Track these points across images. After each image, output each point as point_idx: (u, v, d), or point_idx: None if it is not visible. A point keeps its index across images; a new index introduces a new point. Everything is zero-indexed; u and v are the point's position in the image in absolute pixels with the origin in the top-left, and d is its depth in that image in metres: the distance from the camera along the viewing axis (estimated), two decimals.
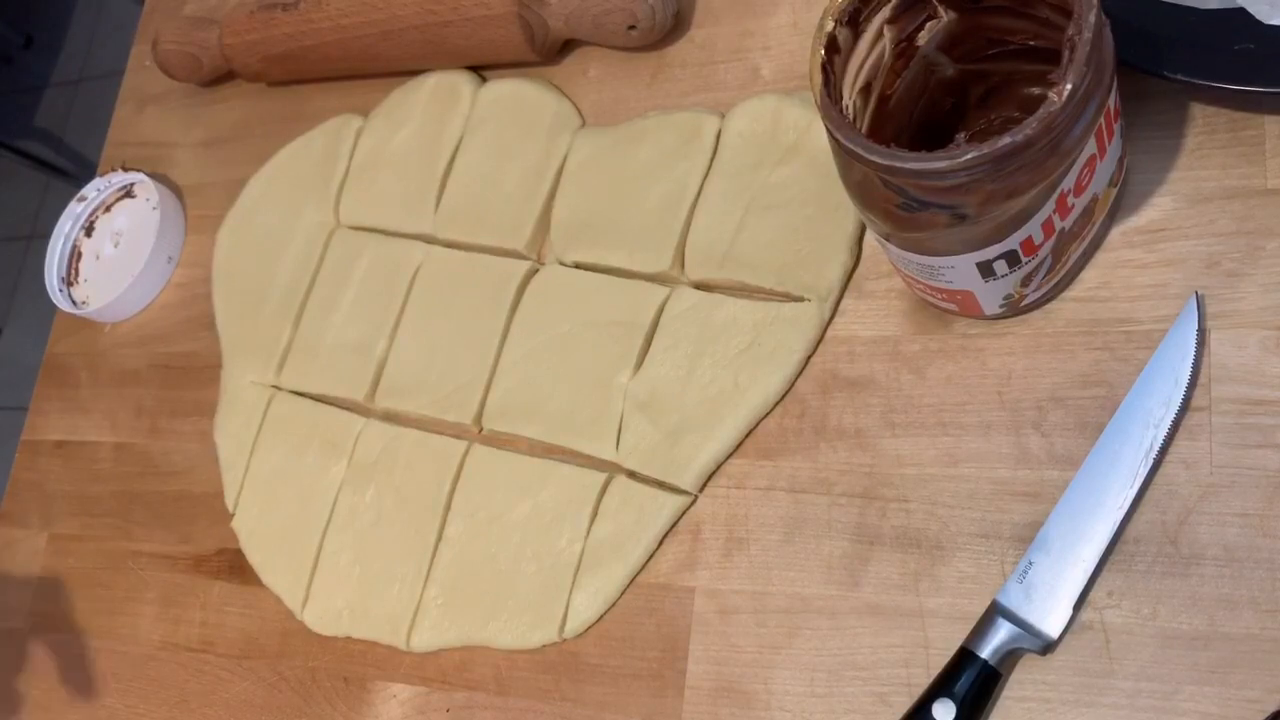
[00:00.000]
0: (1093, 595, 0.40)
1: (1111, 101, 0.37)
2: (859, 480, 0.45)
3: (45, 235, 0.71)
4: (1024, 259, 0.39)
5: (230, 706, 0.56)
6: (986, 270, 0.39)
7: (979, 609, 0.41)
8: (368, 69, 0.64)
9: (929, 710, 0.40)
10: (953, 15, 0.40)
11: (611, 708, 0.47)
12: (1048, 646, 0.40)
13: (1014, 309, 0.43)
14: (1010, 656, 0.40)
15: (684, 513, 0.48)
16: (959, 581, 0.42)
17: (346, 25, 0.61)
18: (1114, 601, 0.40)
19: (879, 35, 0.39)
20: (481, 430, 0.54)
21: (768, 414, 0.48)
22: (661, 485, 0.49)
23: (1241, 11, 0.41)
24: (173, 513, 0.62)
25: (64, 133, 2.05)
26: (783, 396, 0.48)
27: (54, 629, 0.63)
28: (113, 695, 0.59)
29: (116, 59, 0.80)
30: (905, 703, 0.41)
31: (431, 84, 0.62)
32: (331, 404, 0.58)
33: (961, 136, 0.34)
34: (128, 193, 0.71)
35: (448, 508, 0.53)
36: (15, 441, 0.70)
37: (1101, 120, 0.36)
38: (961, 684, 0.40)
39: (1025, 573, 0.40)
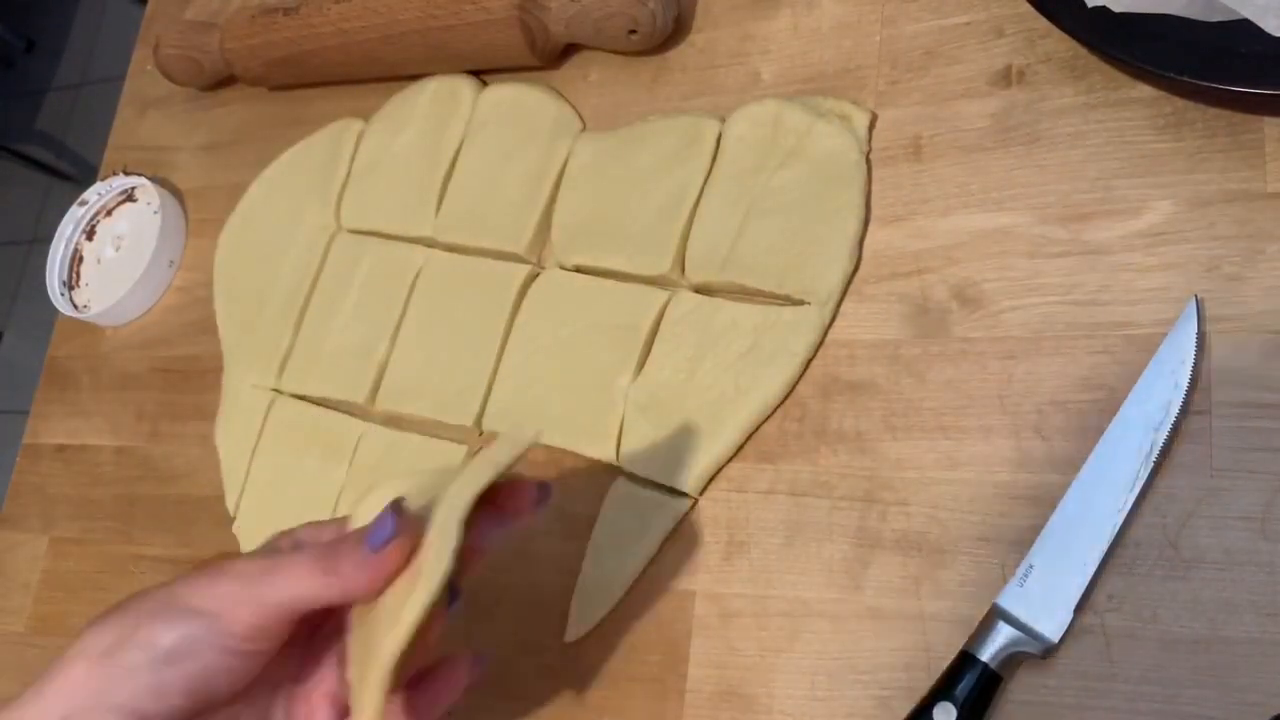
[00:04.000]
0: (1093, 598, 0.40)
1: None
2: (860, 484, 0.45)
3: (47, 239, 0.71)
4: None
5: None
6: None
7: (980, 612, 0.41)
8: (369, 73, 0.65)
9: (930, 713, 0.40)
10: None
11: (612, 711, 0.47)
12: (1048, 650, 0.40)
13: None
14: (1011, 660, 0.40)
15: (684, 516, 0.48)
16: (960, 585, 0.42)
17: (348, 29, 0.62)
18: (1115, 605, 0.40)
19: None
20: (482, 433, 0.54)
21: (768, 417, 0.48)
22: (662, 488, 0.49)
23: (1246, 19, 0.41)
24: (174, 516, 0.62)
25: (65, 136, 2.05)
26: (783, 400, 0.48)
27: (55, 633, 0.63)
28: None
29: (118, 63, 0.80)
30: (906, 706, 0.41)
31: (432, 88, 0.62)
32: (333, 407, 0.58)
33: None
34: (129, 196, 0.71)
35: None
36: (16, 445, 0.70)
37: None
38: (962, 687, 0.39)
39: (1026, 576, 0.40)
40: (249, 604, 0.36)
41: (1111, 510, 0.40)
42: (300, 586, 0.37)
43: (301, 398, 0.60)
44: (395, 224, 0.60)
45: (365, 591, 0.36)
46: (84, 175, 1.90)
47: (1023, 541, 0.41)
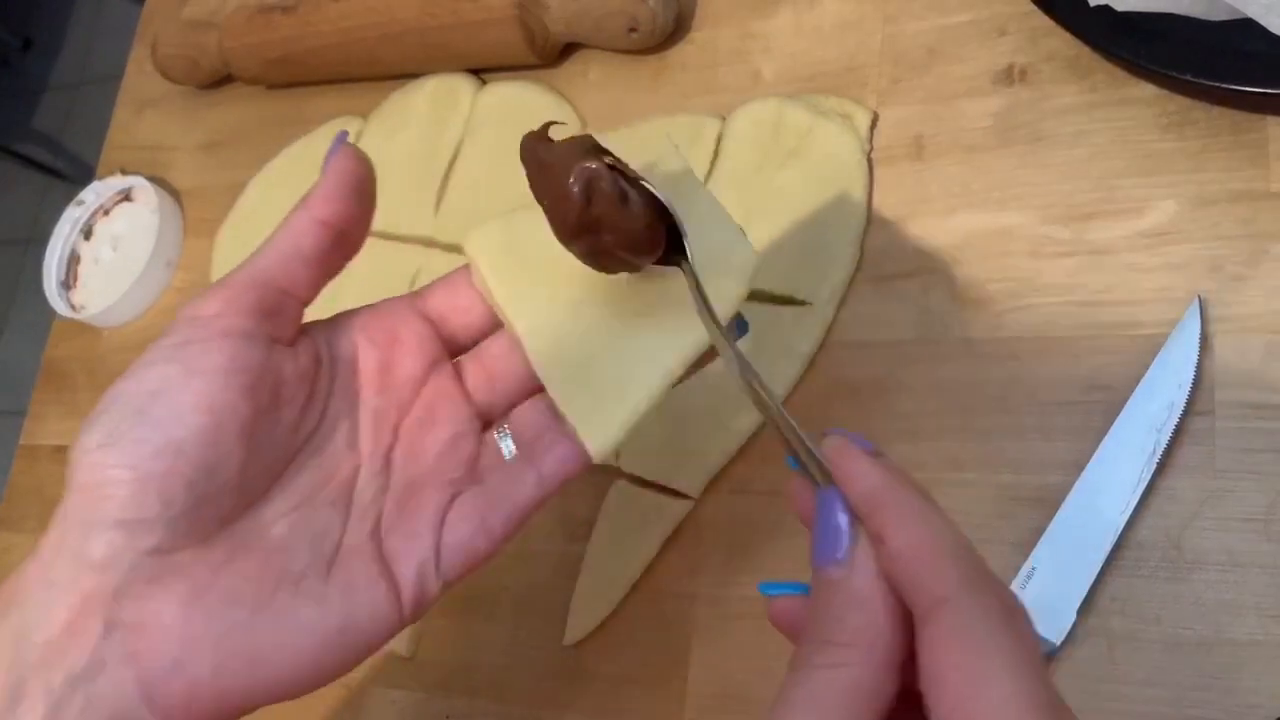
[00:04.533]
0: (1096, 601, 0.40)
1: None
2: None
3: (44, 239, 0.71)
4: None
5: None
6: None
7: None
8: (367, 72, 0.64)
9: None
10: None
11: (612, 714, 0.47)
12: (1051, 652, 0.40)
13: None
14: None
15: (685, 517, 0.48)
16: None
17: (346, 28, 0.61)
18: (1118, 607, 0.40)
19: None
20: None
21: None
22: (663, 490, 0.48)
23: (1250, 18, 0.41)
24: None
25: (63, 136, 2.05)
26: (785, 401, 0.47)
27: None
28: None
29: (115, 62, 0.79)
30: None
31: (431, 87, 0.62)
32: None
33: None
34: (126, 196, 0.71)
35: None
36: (13, 446, 0.69)
37: None
38: None
39: (1028, 578, 0.40)
40: (213, 296, 0.31)
41: (1114, 512, 0.40)
42: (266, 256, 0.32)
43: None
44: (394, 223, 0.60)
45: (331, 209, 0.32)
46: (81, 175, 1.90)
47: (1025, 543, 0.41)
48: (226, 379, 0.30)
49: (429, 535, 0.32)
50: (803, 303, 0.48)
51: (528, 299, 0.34)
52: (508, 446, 0.35)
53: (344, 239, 0.33)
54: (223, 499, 0.30)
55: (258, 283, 0.32)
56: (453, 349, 0.36)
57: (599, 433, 0.32)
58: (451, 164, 0.60)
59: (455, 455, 0.34)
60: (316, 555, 0.31)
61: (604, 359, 0.33)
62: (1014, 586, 0.40)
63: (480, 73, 0.62)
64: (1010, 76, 0.48)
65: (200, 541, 0.29)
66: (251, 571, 0.30)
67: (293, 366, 0.32)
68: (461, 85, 0.61)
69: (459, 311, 0.35)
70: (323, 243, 0.33)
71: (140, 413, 0.29)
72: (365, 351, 0.34)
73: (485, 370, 0.36)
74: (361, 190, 0.33)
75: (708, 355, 0.33)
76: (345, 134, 0.35)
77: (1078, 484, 0.41)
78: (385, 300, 0.35)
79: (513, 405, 0.35)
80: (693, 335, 0.32)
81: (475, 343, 0.36)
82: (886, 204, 0.48)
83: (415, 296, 0.36)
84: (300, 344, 0.33)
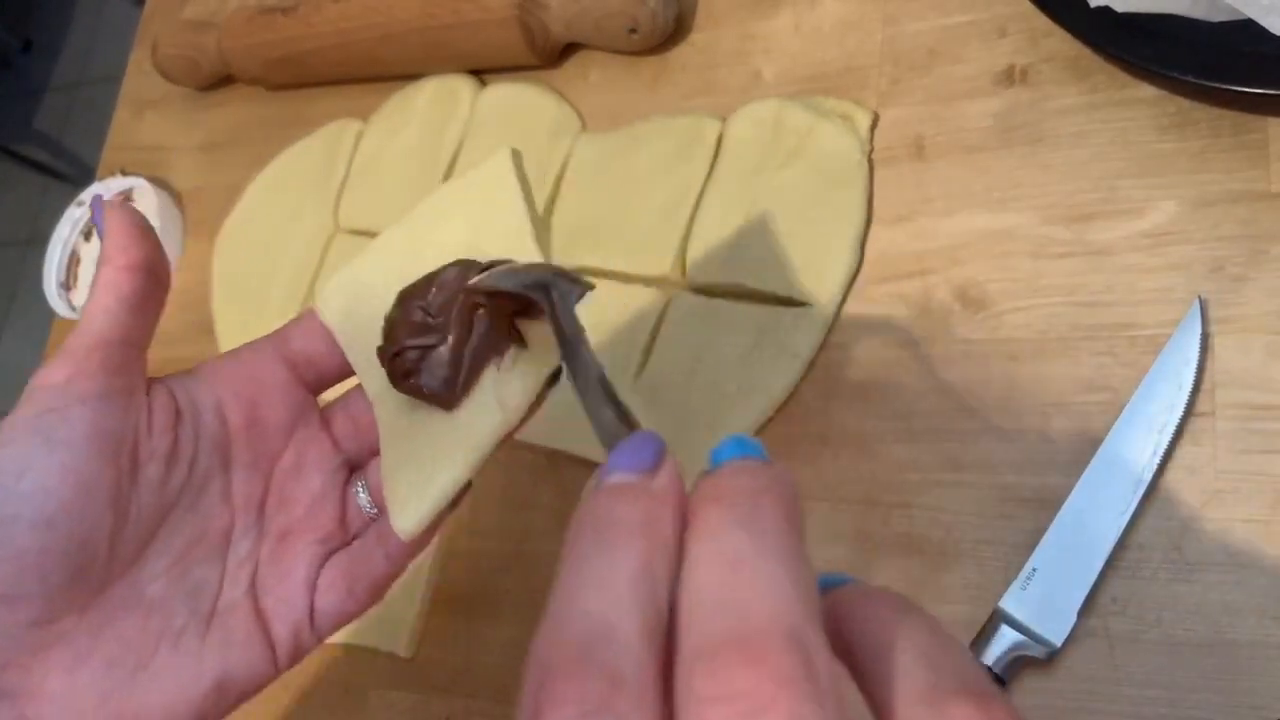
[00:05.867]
0: (1097, 601, 0.40)
1: None
2: (861, 486, 0.45)
3: (44, 239, 0.71)
4: None
5: (230, 715, 0.55)
6: None
7: (982, 616, 0.41)
8: (367, 73, 0.64)
9: None
10: None
11: None
12: (1052, 653, 0.39)
13: None
14: (1015, 663, 0.40)
15: None
16: (962, 588, 0.42)
17: (346, 29, 0.61)
18: (1118, 608, 0.40)
19: None
20: None
21: (770, 419, 0.47)
22: None
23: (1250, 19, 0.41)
24: None
25: (63, 137, 2.05)
26: (785, 401, 0.47)
27: None
28: None
29: (115, 63, 0.80)
30: None
31: (431, 88, 0.62)
32: None
33: None
34: (126, 197, 0.71)
35: None
36: None
37: None
38: None
39: (1029, 579, 0.40)
40: (59, 363, 0.31)
41: (1115, 513, 0.40)
42: (93, 317, 0.32)
43: None
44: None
45: (131, 253, 0.33)
46: (82, 176, 1.90)
47: (1026, 544, 0.41)
48: (89, 447, 0.30)
49: (303, 599, 0.34)
50: (803, 303, 0.48)
51: (376, 363, 0.34)
52: (365, 500, 0.36)
53: (155, 277, 0.34)
54: (98, 567, 0.30)
55: (98, 342, 0.32)
56: (318, 387, 0.37)
57: (405, 517, 0.33)
58: (451, 164, 0.60)
59: (325, 506, 0.35)
60: (194, 612, 0.32)
61: (424, 439, 0.34)
62: (1015, 588, 0.40)
63: (480, 73, 0.62)
64: (1010, 77, 0.48)
65: (80, 609, 0.30)
66: (131, 632, 0.31)
67: (149, 420, 0.32)
68: (461, 86, 0.61)
69: (323, 355, 0.36)
70: (140, 286, 0.33)
71: (5, 490, 0.29)
72: (231, 405, 0.35)
73: (352, 419, 0.37)
74: (146, 229, 0.34)
75: (509, 435, 0.33)
76: (99, 196, 0.35)
77: (1078, 485, 0.41)
78: (246, 346, 0.36)
79: (376, 453, 0.36)
80: (493, 421, 0.33)
81: (341, 378, 0.37)
82: (886, 204, 0.48)
83: (277, 340, 0.36)
84: (154, 395, 0.33)
